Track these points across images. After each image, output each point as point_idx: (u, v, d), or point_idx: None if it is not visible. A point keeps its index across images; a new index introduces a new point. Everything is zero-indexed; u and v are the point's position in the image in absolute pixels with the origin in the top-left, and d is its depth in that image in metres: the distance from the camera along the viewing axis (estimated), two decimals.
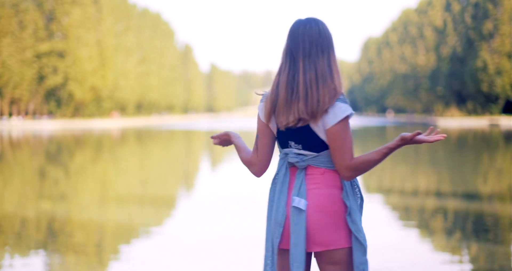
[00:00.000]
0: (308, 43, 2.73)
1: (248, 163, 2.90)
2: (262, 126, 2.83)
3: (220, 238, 7.44)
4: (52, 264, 6.49)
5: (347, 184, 2.78)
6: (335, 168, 2.77)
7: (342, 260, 2.76)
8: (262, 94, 2.88)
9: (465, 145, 28.17)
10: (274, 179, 2.84)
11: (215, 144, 3.03)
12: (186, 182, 14.78)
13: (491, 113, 69.81)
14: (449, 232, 8.05)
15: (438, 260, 6.41)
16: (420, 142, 2.68)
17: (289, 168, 2.81)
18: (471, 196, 11.25)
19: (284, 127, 2.75)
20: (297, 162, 2.76)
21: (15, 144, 32.41)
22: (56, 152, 26.11)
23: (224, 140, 3.00)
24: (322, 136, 2.72)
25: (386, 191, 12.07)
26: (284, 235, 2.76)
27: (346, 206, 2.76)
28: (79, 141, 34.80)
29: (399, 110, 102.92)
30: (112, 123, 72.00)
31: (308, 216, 2.73)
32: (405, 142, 2.67)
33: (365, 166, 2.69)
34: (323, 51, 2.74)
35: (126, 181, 15.18)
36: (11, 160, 21.50)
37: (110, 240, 7.85)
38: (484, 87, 68.80)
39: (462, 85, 74.34)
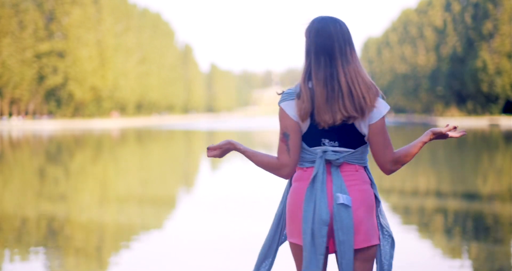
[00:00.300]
0: (343, 42, 2.78)
1: (277, 166, 2.83)
2: (294, 126, 2.78)
3: (220, 238, 7.44)
4: (52, 264, 6.49)
5: (373, 179, 2.86)
6: (365, 164, 2.84)
7: (372, 257, 2.82)
8: (284, 93, 2.84)
9: (465, 145, 28.17)
10: (314, 178, 2.77)
11: (212, 156, 2.89)
12: (186, 182, 14.78)
13: (491, 113, 69.82)
14: (449, 232, 8.06)
15: (438, 260, 6.41)
16: (448, 136, 2.86)
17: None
18: (471, 196, 11.25)
19: (328, 126, 2.75)
20: (337, 159, 2.77)
21: (15, 144, 32.41)
22: (56, 152, 26.12)
23: (226, 149, 2.89)
24: (364, 131, 2.77)
25: (386, 191, 12.07)
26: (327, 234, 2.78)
27: (378, 201, 2.86)
28: (79, 141, 34.81)
29: (399, 110, 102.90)
30: (112, 123, 72.01)
31: (353, 212, 2.76)
32: (437, 136, 2.84)
33: (406, 159, 2.82)
34: (353, 50, 2.82)
35: (126, 181, 15.18)
36: (11, 160, 21.50)
37: (110, 240, 7.86)
38: (484, 87, 68.81)
39: (462, 85, 74.34)
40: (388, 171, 2.82)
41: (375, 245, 2.81)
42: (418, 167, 17.16)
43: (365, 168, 2.84)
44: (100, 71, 78.60)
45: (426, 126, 59.51)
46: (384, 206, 10.13)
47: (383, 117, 2.77)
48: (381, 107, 2.77)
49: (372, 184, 2.84)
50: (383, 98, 2.82)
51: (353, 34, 2.88)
